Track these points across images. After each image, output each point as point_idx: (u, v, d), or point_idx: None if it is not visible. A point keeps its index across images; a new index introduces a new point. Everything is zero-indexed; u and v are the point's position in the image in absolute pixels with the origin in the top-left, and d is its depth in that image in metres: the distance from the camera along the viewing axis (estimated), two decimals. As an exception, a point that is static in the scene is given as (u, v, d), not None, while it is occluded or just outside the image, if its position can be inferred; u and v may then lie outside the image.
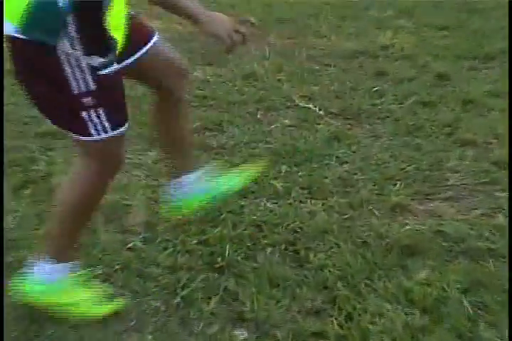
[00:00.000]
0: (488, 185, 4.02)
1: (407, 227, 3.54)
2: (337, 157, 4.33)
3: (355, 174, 4.12)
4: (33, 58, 2.66)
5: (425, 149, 4.45)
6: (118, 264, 3.14)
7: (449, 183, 4.04)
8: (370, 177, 4.06)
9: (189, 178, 3.35)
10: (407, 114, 4.97)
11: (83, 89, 2.62)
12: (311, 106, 5.03)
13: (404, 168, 4.18)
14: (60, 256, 2.86)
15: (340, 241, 3.38)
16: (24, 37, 2.57)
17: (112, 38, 2.67)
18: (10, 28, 2.58)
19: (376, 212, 3.68)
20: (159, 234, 3.39)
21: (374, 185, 3.97)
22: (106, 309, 2.89)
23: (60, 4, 2.51)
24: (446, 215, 3.70)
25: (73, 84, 2.62)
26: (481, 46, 6.38)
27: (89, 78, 2.62)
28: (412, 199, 3.84)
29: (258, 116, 4.90)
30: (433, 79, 5.65)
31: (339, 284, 3.02)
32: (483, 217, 3.68)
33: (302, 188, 3.91)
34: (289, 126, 4.75)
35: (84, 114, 2.64)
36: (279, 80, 5.47)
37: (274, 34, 6.46)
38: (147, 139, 4.26)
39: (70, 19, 2.51)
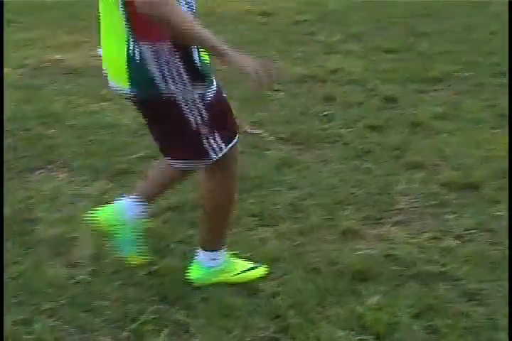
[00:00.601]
0: (437, 208, 4.05)
1: (358, 252, 3.56)
2: (287, 183, 4.33)
3: (306, 200, 4.12)
4: (152, 108, 3.10)
5: (374, 173, 4.47)
6: (64, 299, 3.08)
7: (398, 207, 4.07)
8: (320, 203, 4.06)
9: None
10: (356, 138, 4.99)
11: (199, 121, 2.99)
12: (260, 132, 5.02)
13: (354, 193, 4.19)
14: (218, 245, 3.37)
15: (292, 268, 3.37)
16: (136, 93, 3.01)
17: (203, 62, 2.98)
18: (125, 89, 3.03)
19: (327, 238, 3.68)
20: (107, 267, 3.35)
21: (324, 211, 3.96)
22: (258, 273, 3.40)
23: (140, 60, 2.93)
24: (396, 239, 3.71)
25: (191, 120, 2.98)
26: (428, 69, 6.43)
27: (202, 109, 2.98)
28: (363, 224, 3.86)
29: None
30: (381, 103, 5.68)
31: (291, 312, 3.00)
32: (432, 240, 3.70)
33: (252, 215, 3.92)
34: (239, 153, 4.73)
35: (205, 142, 3.05)
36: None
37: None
38: (93, 170, 4.23)
39: (164, 66, 2.91)
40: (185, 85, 2.93)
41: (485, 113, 5.52)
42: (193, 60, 2.96)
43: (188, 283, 3.25)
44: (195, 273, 3.39)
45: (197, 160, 3.18)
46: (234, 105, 3.15)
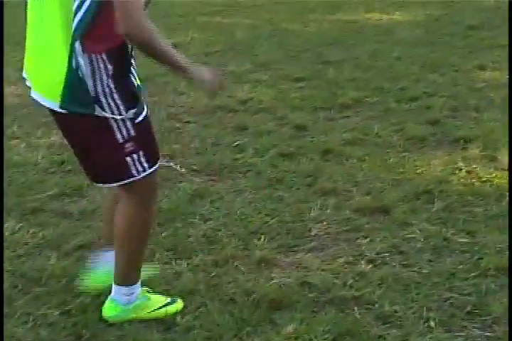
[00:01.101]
0: (350, 233, 4.08)
1: (274, 281, 3.56)
2: (200, 214, 4.32)
3: (220, 230, 4.11)
4: (79, 127, 3.08)
5: (287, 201, 4.49)
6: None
7: (312, 234, 4.08)
8: (235, 233, 4.06)
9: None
10: (268, 167, 5.00)
11: (126, 136, 3.03)
12: (172, 164, 5.00)
13: (267, 222, 4.20)
14: (134, 279, 3.33)
15: (208, 301, 3.36)
16: (67, 111, 2.99)
17: (137, 88, 3.10)
18: (52, 105, 3.00)
19: (242, 268, 3.68)
20: (19, 308, 3.29)
21: (238, 241, 3.96)
22: (175, 308, 3.37)
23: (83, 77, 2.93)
24: (311, 266, 3.72)
25: (118, 135, 3.02)
26: (337, 96, 6.50)
27: (130, 127, 3.03)
28: (278, 252, 3.86)
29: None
30: (292, 131, 5.71)
31: (208, 345, 2.98)
32: (346, 265, 3.73)
33: (167, 250, 3.88)
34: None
35: (128, 158, 3.06)
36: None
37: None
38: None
39: (100, 86, 2.95)
40: (118, 106, 2.98)
41: (394, 137, 5.58)
42: (128, 82, 3.07)
43: (103, 320, 3.21)
44: (111, 310, 3.33)
45: (121, 180, 3.16)
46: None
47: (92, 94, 2.94)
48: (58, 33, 2.94)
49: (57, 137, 5.42)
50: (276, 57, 7.86)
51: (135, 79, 3.12)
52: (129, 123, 3.04)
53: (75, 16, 2.87)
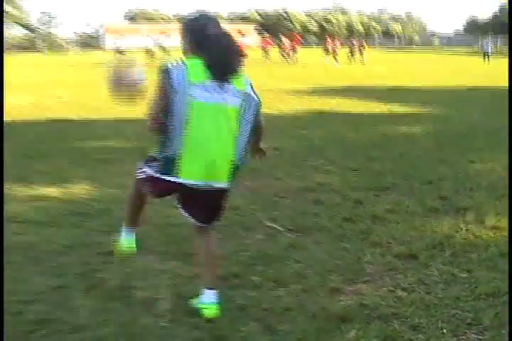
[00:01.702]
0: (391, 271, 4.07)
1: (341, 303, 3.60)
2: (293, 258, 4.31)
3: (305, 269, 4.12)
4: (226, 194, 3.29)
5: (350, 250, 4.49)
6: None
7: (366, 271, 4.08)
8: (316, 271, 4.07)
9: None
10: (336, 227, 5.01)
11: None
12: (274, 225, 5.03)
13: (337, 263, 4.22)
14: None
15: (298, 314, 3.41)
16: (229, 187, 3.22)
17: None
18: (224, 185, 3.16)
19: (321, 294, 3.69)
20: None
21: (318, 276, 3.96)
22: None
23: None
24: (366, 293, 3.76)
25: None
26: (380, 181, 6.53)
27: None
28: (344, 284, 3.90)
29: (241, 234, 4.88)
30: (352, 203, 5.71)
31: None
32: (388, 292, 3.71)
33: (270, 280, 3.89)
34: (260, 239, 4.74)
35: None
36: (253, 209, 5.47)
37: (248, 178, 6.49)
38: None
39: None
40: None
41: (419, 208, 5.54)
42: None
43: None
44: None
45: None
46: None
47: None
48: (229, 134, 3.09)
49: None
50: (341, 156, 7.89)
51: None
52: None
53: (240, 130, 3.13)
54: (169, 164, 3.00)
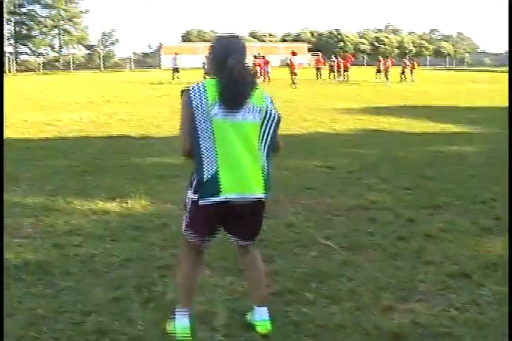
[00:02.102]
0: (444, 290, 4.01)
1: (395, 321, 3.57)
2: (346, 276, 4.29)
3: (358, 286, 4.10)
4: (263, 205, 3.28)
5: (402, 268, 4.46)
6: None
7: (419, 290, 4.02)
8: (369, 288, 4.05)
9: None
10: (390, 246, 4.96)
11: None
12: (329, 243, 5.02)
13: (390, 281, 4.17)
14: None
15: (352, 332, 3.35)
16: (265, 198, 3.21)
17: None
18: (261, 195, 3.17)
19: (374, 312, 3.67)
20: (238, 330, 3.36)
21: (372, 294, 3.95)
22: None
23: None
24: (419, 311, 3.72)
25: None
26: (433, 200, 6.45)
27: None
28: (397, 302, 3.86)
29: (295, 251, 4.88)
30: (405, 222, 5.65)
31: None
32: (442, 311, 3.69)
33: (325, 297, 3.89)
34: (315, 256, 4.73)
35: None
36: (308, 227, 5.46)
37: (304, 196, 6.49)
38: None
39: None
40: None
41: (472, 227, 5.46)
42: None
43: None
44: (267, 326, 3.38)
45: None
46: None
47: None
48: (256, 154, 3.15)
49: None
50: (393, 174, 7.82)
51: None
52: None
53: (263, 142, 3.19)
54: (208, 185, 3.06)
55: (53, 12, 76.43)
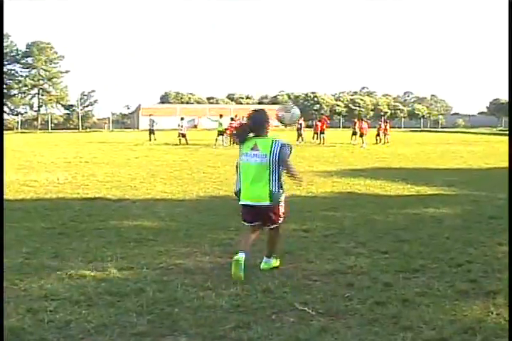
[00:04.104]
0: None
1: None
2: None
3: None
4: (274, 209, 6.01)
5: (380, 333, 4.44)
6: None
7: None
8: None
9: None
10: (367, 311, 4.96)
11: (282, 210, 6.09)
12: (306, 308, 5.01)
13: (368, 348, 4.09)
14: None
15: None
16: (271, 204, 5.93)
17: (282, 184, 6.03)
18: (267, 203, 5.89)
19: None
20: None
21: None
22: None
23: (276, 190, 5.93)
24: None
25: (281, 208, 6.07)
26: (410, 263, 6.47)
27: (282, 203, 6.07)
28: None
29: (273, 317, 4.84)
30: (382, 287, 5.66)
31: None
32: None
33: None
34: (292, 323, 4.70)
35: (281, 218, 6.12)
36: (285, 292, 5.45)
37: (281, 261, 6.50)
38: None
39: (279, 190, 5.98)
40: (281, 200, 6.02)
41: (448, 291, 5.51)
42: (281, 184, 5.94)
43: None
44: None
45: (278, 223, 6.11)
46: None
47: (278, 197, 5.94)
48: (264, 177, 5.85)
49: (234, 289, 5.51)
50: (369, 238, 7.87)
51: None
52: (282, 202, 6.05)
53: (270, 173, 5.84)
54: (238, 194, 6.00)
55: (33, 71, 77.34)
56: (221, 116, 33.23)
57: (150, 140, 35.05)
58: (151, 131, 36.00)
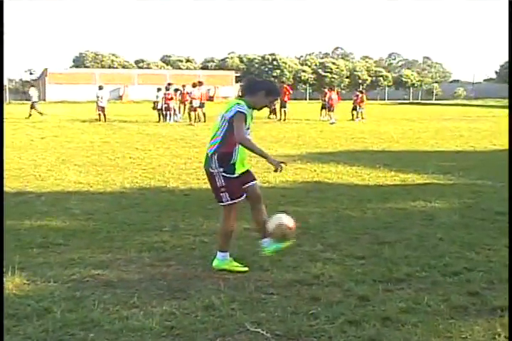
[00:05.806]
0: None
1: None
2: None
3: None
4: (209, 176, 6.72)
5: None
6: None
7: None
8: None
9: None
10: (338, 332, 5.00)
11: (220, 184, 6.55)
12: (259, 330, 5.01)
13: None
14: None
15: None
16: (207, 168, 6.69)
17: (233, 164, 6.56)
18: (205, 166, 6.71)
19: None
20: None
21: None
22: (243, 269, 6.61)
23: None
24: None
25: (218, 182, 6.56)
26: (392, 271, 6.52)
27: (222, 179, 6.53)
28: None
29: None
30: (357, 301, 5.70)
31: None
32: None
33: None
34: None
35: (222, 193, 6.56)
36: (232, 309, 5.45)
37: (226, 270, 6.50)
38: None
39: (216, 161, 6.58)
40: (217, 167, 6.53)
41: (441, 306, 5.57)
42: (230, 160, 6.55)
43: None
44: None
45: (220, 201, 6.64)
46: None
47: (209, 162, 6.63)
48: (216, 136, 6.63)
49: (167, 306, 5.50)
50: (342, 239, 7.94)
51: (236, 165, 6.60)
52: (221, 177, 6.53)
53: (214, 135, 6.64)
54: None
55: None
56: (169, 84, 34.25)
57: (41, 114, 35.87)
58: (32, 104, 36.62)
